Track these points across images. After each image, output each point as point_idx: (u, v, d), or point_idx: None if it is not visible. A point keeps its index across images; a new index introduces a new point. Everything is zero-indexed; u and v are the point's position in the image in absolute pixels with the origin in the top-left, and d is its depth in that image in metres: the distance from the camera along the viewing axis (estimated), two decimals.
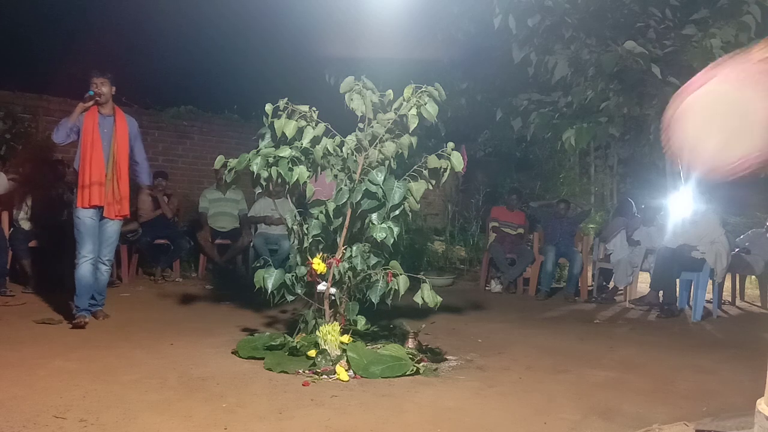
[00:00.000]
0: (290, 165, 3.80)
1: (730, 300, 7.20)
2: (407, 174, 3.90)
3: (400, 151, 3.87)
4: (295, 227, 3.97)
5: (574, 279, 6.97)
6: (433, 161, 3.86)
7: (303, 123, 3.83)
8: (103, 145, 4.46)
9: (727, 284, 7.10)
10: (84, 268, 4.42)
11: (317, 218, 3.94)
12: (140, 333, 4.29)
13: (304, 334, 3.91)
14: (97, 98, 4.45)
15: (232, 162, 3.79)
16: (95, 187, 4.41)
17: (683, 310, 6.26)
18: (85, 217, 4.43)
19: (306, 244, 3.91)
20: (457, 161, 3.86)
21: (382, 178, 3.77)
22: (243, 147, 6.78)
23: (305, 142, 3.81)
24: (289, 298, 3.95)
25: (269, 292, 3.84)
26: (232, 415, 2.82)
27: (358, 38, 6.71)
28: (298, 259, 3.98)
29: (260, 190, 6.64)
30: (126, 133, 4.57)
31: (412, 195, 3.84)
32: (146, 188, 4.90)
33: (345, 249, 3.90)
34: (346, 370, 3.47)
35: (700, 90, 1.95)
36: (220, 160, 3.89)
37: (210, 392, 3.11)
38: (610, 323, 5.74)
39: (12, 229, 5.81)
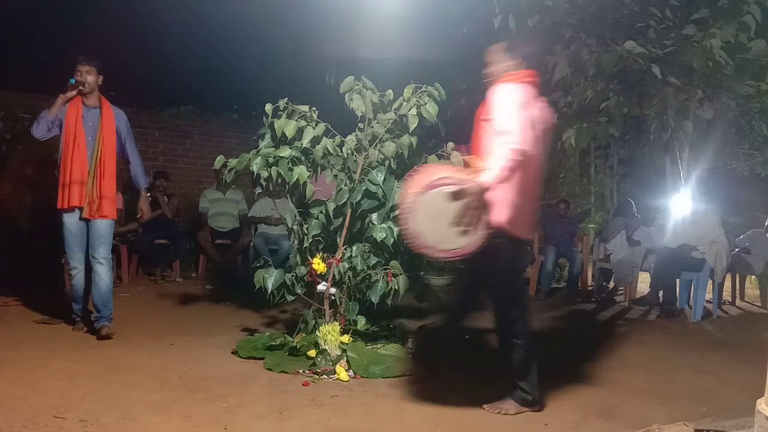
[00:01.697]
0: (290, 165, 3.80)
1: (730, 300, 7.19)
2: (407, 174, 3.90)
3: (400, 151, 3.86)
4: (295, 227, 3.97)
5: (574, 279, 6.96)
6: (433, 161, 3.86)
7: (303, 123, 3.83)
8: (87, 139, 4.07)
9: (727, 284, 7.10)
10: (78, 279, 4.15)
11: (317, 218, 3.94)
12: (140, 333, 4.29)
13: (304, 334, 3.91)
14: (81, 87, 4.06)
15: (232, 162, 3.79)
16: (76, 186, 4.03)
17: (683, 310, 6.25)
18: (69, 222, 4.09)
19: (306, 244, 3.91)
20: (457, 161, 3.86)
21: (382, 178, 3.77)
22: (243, 147, 6.77)
23: (305, 142, 3.81)
24: (289, 298, 3.95)
25: (269, 292, 3.85)
26: (232, 415, 2.82)
27: (358, 38, 6.70)
28: (298, 259, 3.98)
29: (260, 190, 6.64)
30: (113, 127, 4.18)
31: None
32: (145, 192, 4.42)
33: (345, 249, 3.90)
34: (346, 370, 3.47)
35: (429, 193, 2.63)
36: (220, 160, 3.89)
37: (210, 392, 3.11)
38: (610, 323, 5.74)
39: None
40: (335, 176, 3.93)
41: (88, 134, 4.09)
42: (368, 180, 3.78)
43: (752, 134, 7.84)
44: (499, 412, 2.95)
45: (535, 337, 3.02)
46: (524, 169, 2.77)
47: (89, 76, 4.10)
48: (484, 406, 3.00)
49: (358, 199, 3.80)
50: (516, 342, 2.93)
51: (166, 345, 4.00)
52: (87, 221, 4.12)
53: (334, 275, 3.84)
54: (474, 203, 2.61)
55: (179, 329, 4.47)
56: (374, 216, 3.82)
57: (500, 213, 2.79)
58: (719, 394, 3.46)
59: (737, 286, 7.31)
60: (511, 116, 2.72)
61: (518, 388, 2.97)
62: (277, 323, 4.75)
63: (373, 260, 3.88)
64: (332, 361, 3.55)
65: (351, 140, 3.90)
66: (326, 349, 3.60)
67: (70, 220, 4.09)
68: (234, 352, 3.83)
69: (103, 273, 4.13)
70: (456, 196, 2.61)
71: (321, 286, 3.90)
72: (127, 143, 4.27)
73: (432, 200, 2.64)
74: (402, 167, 3.97)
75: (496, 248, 2.80)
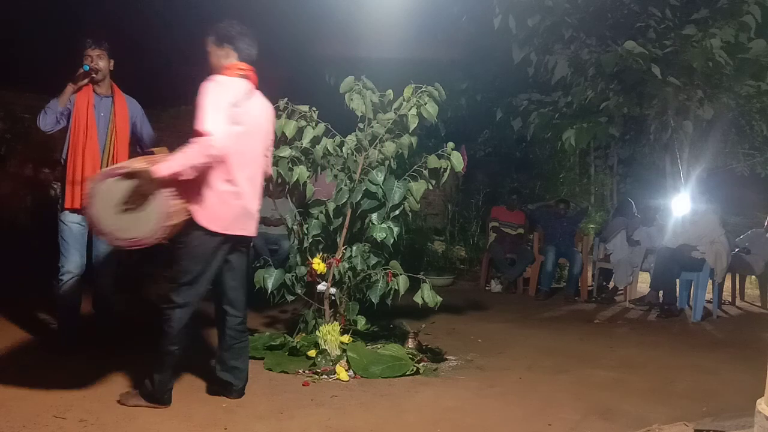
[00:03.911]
0: (290, 165, 3.80)
1: (730, 300, 7.19)
2: (407, 174, 3.91)
3: (400, 151, 3.87)
4: (295, 227, 3.97)
5: (574, 279, 6.96)
6: (433, 161, 3.87)
7: (303, 123, 3.84)
8: (98, 132, 3.65)
9: (727, 284, 7.09)
10: (69, 286, 3.64)
11: (317, 218, 3.94)
12: (140, 333, 4.26)
13: (304, 334, 3.91)
14: (93, 75, 3.65)
15: None
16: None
17: (683, 310, 6.25)
18: (72, 222, 3.63)
19: (306, 244, 3.91)
20: (457, 161, 3.86)
21: (382, 178, 3.77)
22: None
23: (305, 142, 3.81)
24: (289, 298, 3.95)
25: (269, 292, 3.85)
26: (232, 415, 2.82)
27: (358, 38, 6.70)
28: (298, 259, 3.98)
29: None
30: (126, 117, 3.78)
31: (412, 195, 3.84)
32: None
33: (345, 249, 3.90)
34: (346, 370, 3.47)
35: (106, 181, 2.67)
36: None
37: (210, 392, 3.11)
38: (610, 323, 5.74)
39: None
40: (335, 176, 3.93)
41: (100, 126, 3.67)
42: (368, 180, 3.78)
43: (752, 134, 7.84)
44: (120, 401, 2.85)
45: (185, 339, 2.85)
46: (230, 165, 2.73)
47: (100, 61, 3.69)
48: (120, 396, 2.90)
49: (358, 199, 3.80)
50: (165, 329, 2.80)
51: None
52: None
53: (334, 275, 3.84)
54: (141, 190, 2.59)
55: None
56: (374, 216, 3.82)
57: (193, 206, 2.73)
58: (719, 394, 3.46)
59: (737, 286, 7.31)
60: (208, 115, 2.62)
61: (147, 378, 2.83)
62: (277, 323, 4.75)
63: (373, 260, 3.88)
64: (332, 361, 3.55)
65: (351, 140, 3.90)
66: (326, 349, 3.60)
67: (75, 219, 3.65)
68: None
69: (106, 286, 3.84)
70: (126, 182, 2.62)
71: (321, 286, 3.90)
72: (144, 132, 3.94)
73: (108, 187, 2.67)
74: (402, 167, 3.97)
75: (185, 238, 2.77)
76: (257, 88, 2.95)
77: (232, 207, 2.81)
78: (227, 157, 2.72)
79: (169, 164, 2.60)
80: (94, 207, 2.69)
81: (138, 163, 2.73)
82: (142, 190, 2.61)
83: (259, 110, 2.95)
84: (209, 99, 2.67)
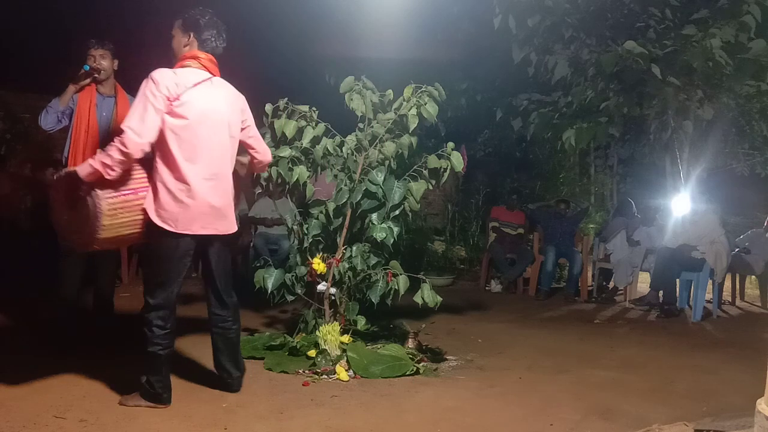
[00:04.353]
0: (290, 165, 3.80)
1: (730, 300, 7.19)
2: (407, 174, 3.91)
3: (400, 151, 3.87)
4: (295, 227, 3.97)
5: (574, 279, 6.96)
6: (433, 161, 3.87)
7: (303, 123, 3.84)
8: (100, 131, 3.64)
9: (727, 284, 7.09)
10: (69, 287, 3.72)
11: (317, 218, 3.94)
12: (140, 333, 4.27)
13: (304, 334, 3.91)
14: (95, 74, 3.65)
15: None
16: None
17: (683, 310, 6.25)
18: None
19: (306, 244, 3.91)
20: (457, 161, 3.87)
21: (382, 178, 3.77)
22: (243, 147, 6.75)
23: (305, 142, 3.82)
24: (289, 298, 3.95)
25: (269, 292, 3.85)
26: (232, 415, 2.82)
27: (358, 38, 6.71)
28: (298, 259, 3.98)
29: (260, 190, 6.63)
30: None
31: (412, 195, 3.85)
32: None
33: (345, 249, 3.90)
34: (346, 370, 3.47)
35: (57, 191, 2.76)
36: None
37: (210, 392, 3.12)
38: (610, 323, 5.74)
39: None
40: (335, 176, 3.94)
41: (102, 126, 3.67)
42: (368, 180, 3.78)
43: (752, 134, 7.84)
44: (122, 404, 2.87)
45: (168, 340, 2.89)
46: (176, 161, 2.68)
47: (104, 61, 3.69)
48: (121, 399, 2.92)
49: (358, 199, 3.80)
50: (146, 332, 2.83)
51: None
52: None
53: (334, 275, 3.84)
54: (72, 190, 2.62)
55: (179, 329, 4.42)
56: (374, 216, 3.82)
57: (148, 203, 2.71)
58: (719, 394, 3.46)
59: (737, 286, 7.31)
60: (132, 114, 2.62)
61: (144, 380, 2.85)
62: (277, 323, 4.75)
63: (373, 260, 3.88)
64: (332, 361, 3.55)
65: (351, 140, 3.90)
66: (326, 349, 3.60)
67: None
68: None
69: (106, 286, 3.88)
70: (56, 185, 2.73)
71: (321, 286, 3.91)
72: None
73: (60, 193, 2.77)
74: (402, 167, 3.97)
75: (149, 239, 2.76)
76: (220, 78, 2.91)
77: (187, 206, 2.71)
78: (169, 153, 2.68)
79: (89, 163, 2.60)
80: (54, 212, 2.77)
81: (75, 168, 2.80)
82: (72, 190, 2.63)
83: (213, 99, 2.81)
84: (138, 97, 2.67)
